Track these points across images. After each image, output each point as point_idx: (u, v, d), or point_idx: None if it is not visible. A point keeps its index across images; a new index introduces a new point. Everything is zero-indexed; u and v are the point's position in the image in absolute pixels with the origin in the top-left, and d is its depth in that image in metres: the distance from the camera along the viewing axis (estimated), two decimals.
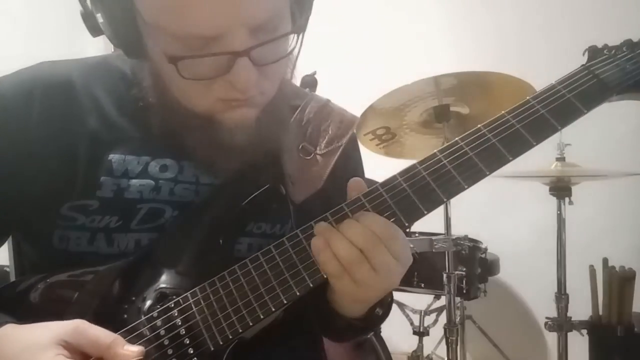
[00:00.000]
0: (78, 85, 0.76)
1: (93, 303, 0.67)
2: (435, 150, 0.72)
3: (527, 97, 0.74)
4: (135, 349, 0.62)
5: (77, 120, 0.75)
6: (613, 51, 0.78)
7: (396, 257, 0.68)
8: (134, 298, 0.70)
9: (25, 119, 0.73)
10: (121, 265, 0.71)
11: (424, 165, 0.71)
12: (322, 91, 1.88)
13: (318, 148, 0.84)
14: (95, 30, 0.69)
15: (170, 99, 0.73)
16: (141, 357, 0.62)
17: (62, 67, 0.78)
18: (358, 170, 0.96)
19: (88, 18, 0.69)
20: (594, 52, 0.79)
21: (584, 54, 0.79)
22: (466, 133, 0.72)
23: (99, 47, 1.04)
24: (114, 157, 0.74)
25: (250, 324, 0.67)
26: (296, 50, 0.70)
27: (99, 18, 0.67)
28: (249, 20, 0.63)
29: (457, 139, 0.72)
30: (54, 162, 0.73)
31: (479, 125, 0.72)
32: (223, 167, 0.75)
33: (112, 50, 0.79)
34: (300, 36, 0.69)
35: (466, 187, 0.70)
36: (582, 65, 0.77)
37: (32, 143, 0.73)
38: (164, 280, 0.71)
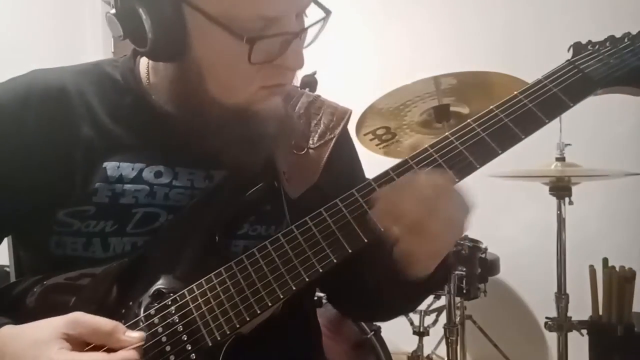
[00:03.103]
0: (72, 93, 0.77)
1: (90, 309, 0.67)
2: (426, 145, 0.73)
3: (515, 92, 0.76)
4: (136, 335, 0.64)
5: (72, 127, 0.75)
6: (597, 46, 0.81)
7: (458, 207, 0.69)
8: (131, 303, 0.70)
9: (21, 126, 0.74)
10: (117, 269, 0.71)
11: (415, 160, 0.72)
12: (322, 91, 1.88)
13: (310, 142, 0.85)
14: (131, 32, 0.69)
15: (202, 98, 0.73)
16: (142, 343, 0.63)
17: (55, 74, 0.78)
18: (354, 161, 0.96)
19: (125, 17, 0.68)
20: (578, 48, 0.81)
21: (568, 50, 0.82)
22: (456, 128, 0.74)
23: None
24: (108, 164, 0.75)
25: (248, 319, 0.68)
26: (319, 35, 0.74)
27: (142, 14, 0.67)
28: (300, 4, 0.69)
29: (447, 133, 0.73)
30: (49, 168, 0.74)
31: (468, 120, 0.74)
32: (254, 158, 0.76)
33: (112, 54, 0.79)
34: (326, 23, 0.73)
35: (457, 180, 0.71)
36: (567, 60, 0.79)
37: (28, 149, 0.74)
38: (161, 284, 0.71)
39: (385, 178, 0.72)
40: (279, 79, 0.72)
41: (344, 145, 0.92)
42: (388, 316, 0.93)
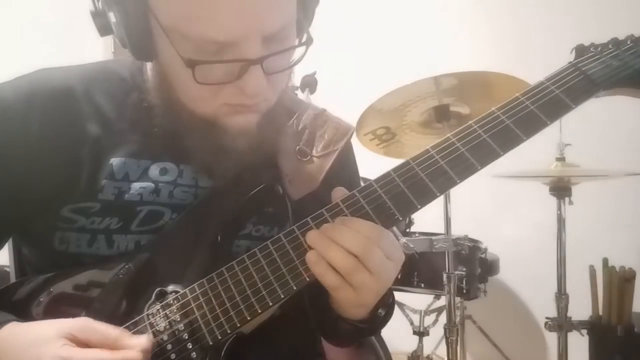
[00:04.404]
0: (78, 91, 0.77)
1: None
2: (427, 147, 0.73)
3: (517, 94, 0.75)
4: (142, 339, 0.64)
5: (78, 125, 0.75)
6: (599, 48, 0.81)
7: (389, 257, 0.69)
8: (136, 315, 0.70)
9: (26, 124, 0.74)
10: (125, 278, 0.71)
11: (417, 161, 0.72)
12: (321, 91, 1.89)
13: (314, 150, 0.85)
14: (105, 30, 0.70)
15: (175, 100, 0.74)
16: (147, 346, 0.64)
17: (61, 73, 0.79)
18: (353, 178, 0.96)
19: (99, 17, 0.69)
20: (580, 50, 0.81)
21: (571, 52, 0.81)
22: (458, 129, 0.74)
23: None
24: (114, 160, 0.75)
25: (248, 318, 0.68)
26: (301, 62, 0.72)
27: (111, 17, 0.67)
28: (264, 29, 0.65)
29: (449, 135, 0.73)
30: (55, 166, 0.74)
31: (470, 122, 0.74)
32: (222, 170, 0.76)
33: (112, 54, 0.80)
34: (307, 49, 0.70)
35: (458, 181, 0.71)
36: (570, 62, 0.79)
37: (33, 147, 0.74)
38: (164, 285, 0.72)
39: (387, 179, 0.72)
40: (242, 100, 0.70)
41: (346, 161, 0.93)
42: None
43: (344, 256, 0.66)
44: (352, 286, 0.68)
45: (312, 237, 0.69)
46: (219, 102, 0.70)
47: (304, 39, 0.71)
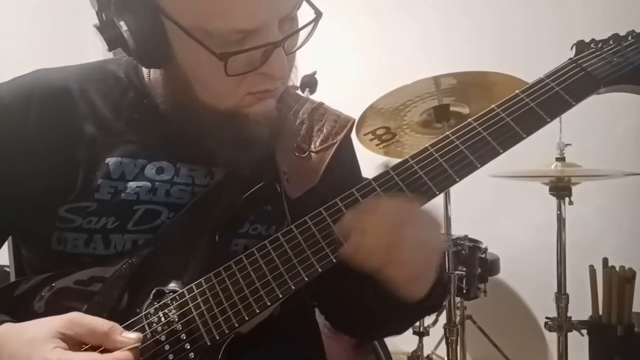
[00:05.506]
0: (75, 91, 0.77)
1: (101, 317, 0.67)
2: (427, 145, 0.72)
3: (517, 91, 0.75)
4: (133, 336, 0.63)
5: (75, 125, 0.75)
6: (600, 44, 0.80)
7: (427, 226, 0.69)
8: (138, 310, 0.70)
9: (23, 124, 0.74)
10: (126, 273, 0.71)
11: (415, 159, 0.72)
12: (322, 91, 1.89)
13: (312, 146, 0.85)
14: (113, 43, 0.69)
15: (193, 101, 0.74)
16: (139, 344, 0.63)
17: (58, 73, 0.79)
18: (354, 168, 0.96)
19: (107, 29, 0.68)
20: (581, 46, 0.80)
21: (571, 49, 0.80)
22: (457, 127, 0.73)
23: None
24: (110, 160, 0.75)
25: (246, 318, 0.68)
26: (311, 37, 0.72)
27: (122, 26, 0.67)
28: (282, 11, 0.66)
29: (448, 132, 0.73)
30: (52, 165, 0.74)
31: (469, 119, 0.73)
32: (247, 160, 0.75)
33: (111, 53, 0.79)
34: (317, 24, 0.70)
35: (457, 179, 0.71)
36: (570, 59, 0.78)
37: (30, 147, 0.74)
38: (162, 284, 0.71)
39: (386, 177, 0.72)
40: (265, 86, 0.71)
41: (346, 153, 0.92)
42: (378, 335, 0.91)
43: (378, 238, 0.66)
44: (397, 263, 0.67)
45: (344, 226, 0.68)
46: (241, 92, 0.71)
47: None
